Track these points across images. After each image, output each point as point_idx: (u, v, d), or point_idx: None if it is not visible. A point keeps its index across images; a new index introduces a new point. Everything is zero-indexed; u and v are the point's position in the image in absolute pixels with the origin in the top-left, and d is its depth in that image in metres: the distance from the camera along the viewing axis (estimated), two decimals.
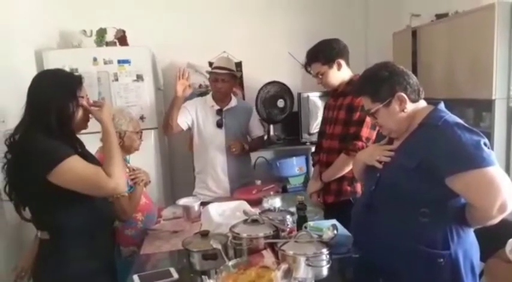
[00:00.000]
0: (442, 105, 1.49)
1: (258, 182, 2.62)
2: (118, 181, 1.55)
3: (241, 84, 3.85)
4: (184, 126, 2.74)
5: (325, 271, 1.36)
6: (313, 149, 3.54)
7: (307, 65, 2.22)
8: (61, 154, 1.47)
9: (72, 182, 1.48)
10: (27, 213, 1.62)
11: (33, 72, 2.87)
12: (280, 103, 3.63)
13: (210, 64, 3.46)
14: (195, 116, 2.77)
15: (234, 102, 2.84)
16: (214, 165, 2.77)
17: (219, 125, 2.75)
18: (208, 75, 2.89)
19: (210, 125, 2.76)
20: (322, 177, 2.24)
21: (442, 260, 1.38)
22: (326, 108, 2.38)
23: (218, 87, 2.72)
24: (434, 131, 1.39)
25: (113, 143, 1.64)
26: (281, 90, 3.63)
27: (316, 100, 3.62)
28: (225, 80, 2.73)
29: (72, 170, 1.47)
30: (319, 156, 2.35)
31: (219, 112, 2.77)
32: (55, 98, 1.54)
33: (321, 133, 2.38)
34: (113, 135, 1.66)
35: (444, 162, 1.33)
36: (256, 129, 2.98)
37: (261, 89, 3.59)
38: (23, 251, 1.95)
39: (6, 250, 2.18)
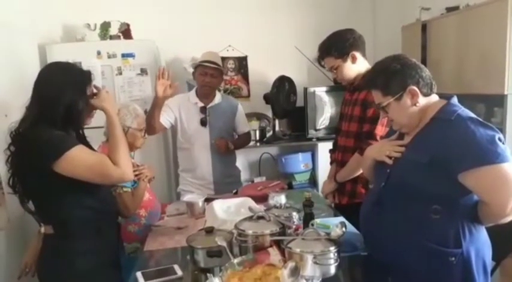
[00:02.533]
0: (455, 100, 1.44)
1: (260, 179, 2.58)
2: (124, 169, 1.55)
3: (246, 79, 3.82)
4: (167, 125, 2.67)
5: (333, 269, 1.33)
6: (319, 145, 3.57)
7: (320, 59, 2.12)
8: (67, 144, 1.47)
9: (79, 170, 1.48)
10: (31, 205, 1.61)
11: (36, 66, 2.88)
12: (293, 98, 3.58)
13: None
14: (178, 114, 2.69)
15: (218, 98, 2.75)
16: (199, 164, 2.71)
17: (203, 123, 2.67)
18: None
19: (194, 123, 2.68)
20: (336, 177, 2.15)
21: (453, 258, 1.35)
22: (343, 103, 2.27)
23: (206, 81, 2.63)
24: (447, 125, 1.35)
25: (117, 132, 1.63)
26: (292, 85, 3.60)
27: (322, 95, 3.57)
28: (214, 75, 2.64)
29: (78, 159, 1.47)
30: (335, 154, 2.25)
31: (203, 110, 2.69)
32: (65, 95, 1.52)
33: (337, 130, 2.29)
34: (117, 123, 1.65)
35: (457, 157, 1.29)
36: (242, 125, 2.90)
37: (274, 83, 3.54)
38: (25, 244, 1.93)
39: (8, 244, 2.17)
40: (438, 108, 1.42)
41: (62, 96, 1.51)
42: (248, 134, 3.00)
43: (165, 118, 2.61)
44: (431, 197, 1.36)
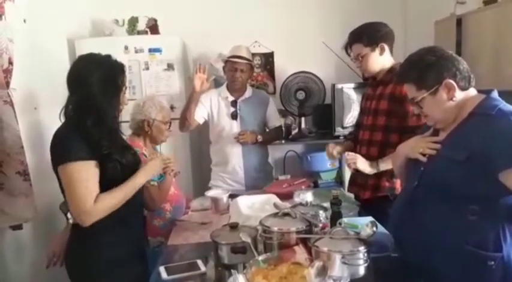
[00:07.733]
0: (495, 94, 1.36)
1: (285, 177, 2.54)
2: (91, 212, 1.46)
3: (272, 76, 3.77)
4: (201, 120, 2.70)
5: (361, 270, 1.27)
6: None
7: (348, 45, 2.11)
8: (73, 154, 1.46)
9: (66, 186, 1.48)
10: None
11: (65, 60, 2.92)
12: (300, 95, 3.48)
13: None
14: (210, 108, 2.72)
15: (249, 92, 2.77)
16: (230, 158, 2.71)
17: (234, 116, 2.69)
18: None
19: (225, 117, 2.71)
20: (379, 161, 1.99)
21: (493, 262, 1.27)
22: (364, 98, 2.27)
23: (235, 77, 2.66)
24: (487, 120, 1.27)
25: (129, 184, 1.57)
26: (304, 81, 3.49)
27: (350, 92, 3.48)
28: (243, 70, 2.66)
29: (71, 175, 1.46)
30: (355, 148, 2.20)
31: (234, 103, 2.70)
32: (96, 93, 1.54)
33: (359, 124, 2.26)
34: (135, 182, 1.60)
35: (498, 155, 1.22)
36: (273, 119, 2.89)
37: (284, 81, 3.48)
38: (53, 235, 1.96)
39: (36, 234, 2.21)
40: (477, 103, 1.34)
41: (93, 93, 1.53)
42: (279, 128, 2.98)
43: (199, 114, 2.64)
44: (468, 197, 1.29)
